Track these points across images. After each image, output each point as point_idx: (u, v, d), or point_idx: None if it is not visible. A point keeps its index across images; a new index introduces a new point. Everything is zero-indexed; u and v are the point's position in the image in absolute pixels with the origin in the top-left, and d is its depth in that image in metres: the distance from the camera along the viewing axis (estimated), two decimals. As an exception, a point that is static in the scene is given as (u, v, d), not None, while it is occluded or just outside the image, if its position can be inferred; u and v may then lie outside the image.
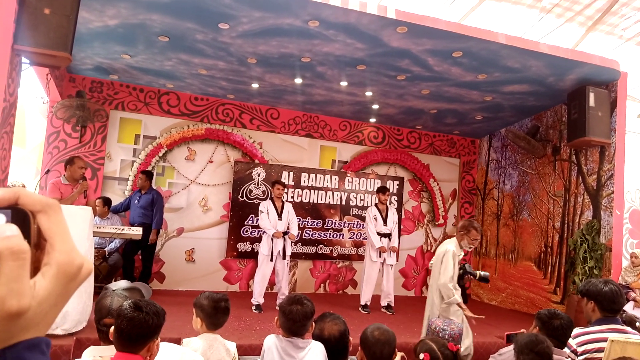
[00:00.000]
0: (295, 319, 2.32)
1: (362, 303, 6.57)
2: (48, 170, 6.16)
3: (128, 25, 5.22)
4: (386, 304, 6.61)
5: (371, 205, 6.95)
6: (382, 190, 6.76)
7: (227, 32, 5.25)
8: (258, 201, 7.53)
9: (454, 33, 5.15)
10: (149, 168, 7.11)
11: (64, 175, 5.18)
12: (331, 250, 8.03)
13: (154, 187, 6.94)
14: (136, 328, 1.65)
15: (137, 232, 5.81)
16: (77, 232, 4.27)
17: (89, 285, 4.38)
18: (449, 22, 5.22)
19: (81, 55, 6.14)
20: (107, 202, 6.53)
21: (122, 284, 1.95)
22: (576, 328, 2.95)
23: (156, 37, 5.46)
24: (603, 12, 7.75)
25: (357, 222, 8.21)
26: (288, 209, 6.42)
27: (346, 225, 8.14)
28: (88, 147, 6.89)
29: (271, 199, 6.43)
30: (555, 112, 7.18)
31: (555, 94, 6.56)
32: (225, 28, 5.16)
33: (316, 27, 5.08)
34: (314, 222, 7.97)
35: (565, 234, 6.83)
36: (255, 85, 6.89)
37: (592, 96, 5.94)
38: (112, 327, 1.68)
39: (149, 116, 7.22)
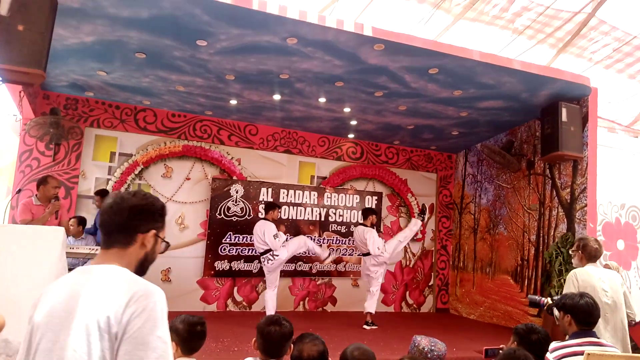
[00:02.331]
0: (273, 340, 2.29)
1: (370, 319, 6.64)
2: (20, 190, 6.00)
3: (105, 42, 5.16)
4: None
5: (373, 228, 6.93)
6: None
7: (205, 49, 5.24)
8: (236, 219, 7.48)
9: (429, 50, 5.24)
10: (125, 185, 7.00)
11: (36, 195, 5.06)
12: (310, 267, 7.98)
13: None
14: None
15: (112, 251, 5.67)
16: (49, 254, 4.15)
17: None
18: (424, 39, 5.31)
19: (56, 72, 6.05)
20: (82, 221, 6.37)
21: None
22: (553, 342, 2.98)
23: (133, 53, 5.42)
24: (573, 35, 8.00)
25: (337, 238, 8.20)
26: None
27: (325, 241, 8.11)
28: (62, 165, 6.75)
29: (273, 221, 6.45)
30: (529, 127, 7.33)
31: (529, 109, 6.71)
32: (204, 45, 5.15)
33: (294, 45, 5.11)
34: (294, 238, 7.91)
35: (541, 247, 6.93)
36: (233, 102, 6.87)
37: (564, 111, 6.08)
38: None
39: (124, 133, 7.13)
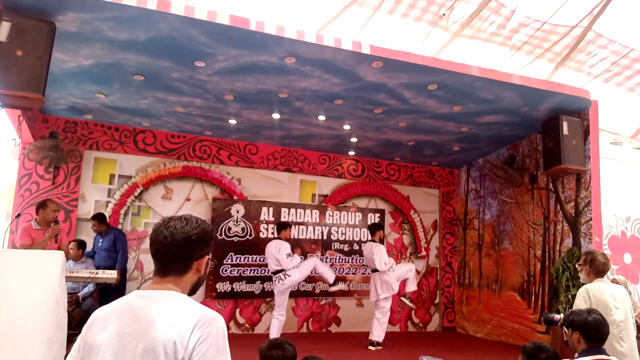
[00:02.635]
0: (274, 365, 2.22)
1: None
2: (19, 214, 5.96)
3: (103, 65, 5.18)
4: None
5: (382, 245, 6.92)
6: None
7: (203, 69, 5.25)
8: (237, 239, 7.41)
9: (428, 67, 5.24)
10: (125, 208, 6.96)
11: (35, 219, 5.02)
12: (313, 287, 7.87)
13: (128, 227, 6.81)
14: None
15: (111, 275, 5.61)
16: (48, 278, 4.10)
17: (60, 333, 4.17)
18: (423, 56, 5.31)
19: (55, 96, 6.07)
20: (82, 245, 6.33)
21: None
22: (563, 361, 2.89)
23: (131, 76, 5.43)
24: (570, 49, 8.02)
25: (340, 256, 8.11)
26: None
27: (328, 260, 8.02)
28: (61, 188, 6.72)
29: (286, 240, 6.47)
30: (531, 141, 7.30)
31: (530, 123, 6.68)
32: (202, 66, 5.16)
33: (292, 64, 5.11)
34: (296, 258, 7.83)
35: (547, 262, 6.84)
36: (232, 122, 6.87)
37: (565, 125, 6.05)
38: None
39: (124, 155, 7.11)
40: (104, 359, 1.33)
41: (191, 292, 1.51)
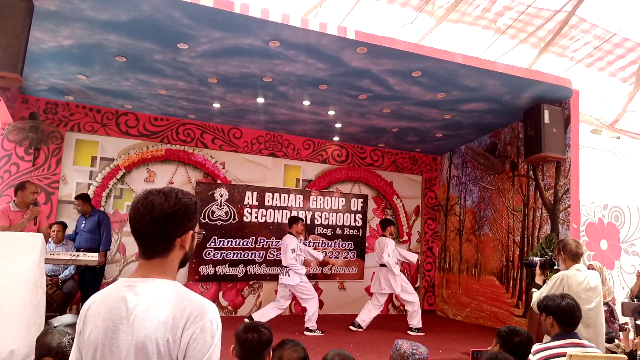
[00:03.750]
0: (250, 347, 2.24)
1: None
2: (-2, 195, 5.88)
3: (84, 45, 5.09)
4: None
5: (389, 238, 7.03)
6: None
7: (186, 52, 5.19)
8: (221, 222, 7.42)
9: (412, 53, 5.24)
10: (107, 190, 6.90)
11: (14, 200, 4.96)
12: (296, 270, 7.92)
13: (109, 210, 6.78)
14: None
15: (92, 258, 5.59)
16: (27, 261, 4.07)
17: (39, 316, 4.16)
18: (407, 42, 5.31)
19: (34, 76, 5.95)
20: (66, 227, 6.29)
21: (66, 318, 1.84)
22: (536, 344, 2.98)
23: (113, 57, 5.35)
24: (554, 34, 8.07)
25: (323, 240, 8.18)
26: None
27: (311, 244, 8.08)
28: (42, 170, 6.64)
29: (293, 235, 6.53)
30: (512, 129, 7.38)
31: (512, 111, 6.75)
32: (185, 48, 5.10)
33: (277, 48, 5.08)
34: (279, 242, 7.86)
35: (526, 248, 6.97)
36: (216, 105, 6.82)
37: (546, 113, 6.13)
38: (52, 367, 1.58)
39: (106, 137, 7.03)
40: (101, 357, 1.29)
41: (181, 266, 1.45)
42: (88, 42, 5.02)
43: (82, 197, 6.35)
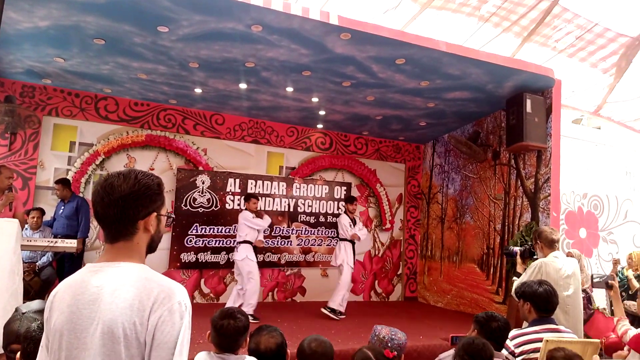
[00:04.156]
0: (226, 334, 2.22)
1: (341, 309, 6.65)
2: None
3: (60, 27, 4.95)
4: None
5: (343, 213, 7.09)
6: (350, 200, 7.02)
7: (166, 35, 5.08)
8: (203, 209, 7.36)
9: (396, 40, 5.21)
10: (86, 176, 6.79)
11: (-12, 185, 4.84)
12: (279, 258, 7.93)
13: (88, 196, 6.68)
14: None
15: (71, 244, 5.50)
16: (1, 246, 3.99)
17: (15, 302, 4.08)
18: (390, 29, 5.27)
19: (10, 58, 5.79)
20: (44, 213, 6.18)
21: (34, 304, 1.80)
22: (513, 329, 3.02)
23: (91, 39, 5.22)
24: (537, 24, 8.10)
25: (306, 228, 8.17)
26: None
27: (294, 232, 8.07)
28: (18, 155, 6.49)
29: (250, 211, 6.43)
30: (495, 118, 7.42)
31: (495, 100, 6.77)
32: (165, 31, 4.99)
33: (259, 32, 5.00)
34: (262, 229, 7.85)
35: (506, 236, 7.05)
36: (198, 90, 6.72)
37: (528, 102, 6.16)
38: (19, 353, 1.53)
39: (85, 122, 6.90)
40: (67, 344, 1.25)
41: (148, 252, 1.41)
42: (65, 24, 4.88)
43: (62, 182, 6.24)
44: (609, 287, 3.60)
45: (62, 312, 1.28)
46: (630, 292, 5.99)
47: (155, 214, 1.39)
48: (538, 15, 8.03)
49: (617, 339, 3.22)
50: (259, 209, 6.59)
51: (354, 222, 6.93)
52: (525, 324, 3.25)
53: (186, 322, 1.28)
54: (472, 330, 2.82)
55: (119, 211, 1.32)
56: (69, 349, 1.25)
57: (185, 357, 1.27)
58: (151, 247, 1.42)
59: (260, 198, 7.36)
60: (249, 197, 6.53)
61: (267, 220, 6.51)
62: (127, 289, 1.25)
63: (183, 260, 7.22)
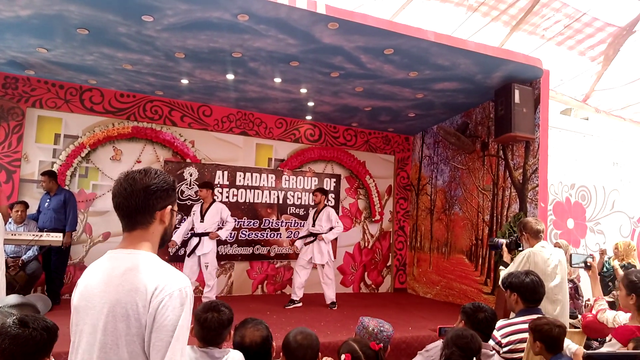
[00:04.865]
0: (210, 328, 2.19)
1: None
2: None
3: (43, 16, 4.84)
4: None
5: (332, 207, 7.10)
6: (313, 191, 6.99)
7: (151, 25, 5.00)
8: (191, 202, 7.29)
9: (384, 30, 5.16)
10: (71, 169, 6.69)
11: (-30, 178, 4.75)
12: (268, 251, 7.90)
13: (74, 189, 6.61)
14: (20, 347, 1.49)
15: (56, 238, 5.43)
16: (-16, 241, 3.92)
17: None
18: (378, 19, 5.22)
19: (-9, 48, 5.68)
20: (27, 207, 6.08)
21: (10, 299, 1.76)
22: (500, 320, 3.02)
23: (75, 29, 5.11)
24: (525, 12, 8.08)
25: (295, 220, 8.14)
26: (215, 209, 6.35)
27: (284, 224, 8.04)
28: (2, 147, 6.38)
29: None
30: (484, 108, 7.41)
31: (484, 91, 6.76)
32: (150, 21, 4.90)
33: (246, 22, 4.93)
34: (251, 222, 7.81)
35: (495, 227, 7.07)
36: (185, 81, 6.64)
37: (517, 93, 6.16)
38: (-6, 348, 1.50)
39: (70, 114, 6.79)
40: (79, 320, 1.41)
41: (160, 244, 1.53)
42: (47, 13, 4.78)
43: (49, 174, 6.15)
44: (587, 267, 3.62)
45: (80, 292, 1.45)
46: (616, 283, 6.05)
47: (170, 207, 1.54)
48: (526, 4, 8.01)
49: (593, 317, 3.25)
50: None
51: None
52: (512, 314, 3.25)
53: (186, 308, 1.37)
54: (459, 321, 2.81)
55: (140, 200, 1.46)
56: (79, 324, 1.41)
57: (182, 342, 1.35)
58: (163, 240, 1.55)
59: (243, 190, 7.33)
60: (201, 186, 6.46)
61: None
62: (134, 274, 1.38)
63: (170, 253, 7.16)
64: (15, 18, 4.89)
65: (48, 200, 6.12)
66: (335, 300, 6.78)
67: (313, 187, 8.28)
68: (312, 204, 7.93)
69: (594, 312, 3.26)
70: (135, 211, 1.47)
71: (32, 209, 6.20)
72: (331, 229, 6.78)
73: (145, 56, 5.79)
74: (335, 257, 8.37)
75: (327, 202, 7.12)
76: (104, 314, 1.35)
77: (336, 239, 8.40)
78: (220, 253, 7.49)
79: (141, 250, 1.45)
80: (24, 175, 6.52)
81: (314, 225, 6.83)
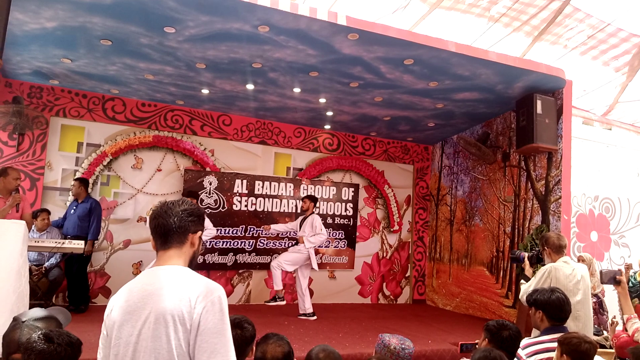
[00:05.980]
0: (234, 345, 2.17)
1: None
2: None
3: (67, 27, 4.94)
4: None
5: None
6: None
7: (173, 36, 5.06)
8: (210, 211, 7.33)
9: (404, 41, 5.15)
10: (93, 177, 6.78)
11: (-5, 187, 4.84)
12: (286, 259, 7.87)
13: (96, 197, 6.69)
14: None
15: (78, 245, 5.49)
16: (9, 248, 3.97)
17: (22, 304, 4.07)
18: (399, 29, 5.20)
19: (17, 59, 5.80)
20: (50, 214, 6.18)
21: (35, 312, 1.76)
22: (525, 338, 2.95)
23: (98, 40, 5.20)
24: (548, 23, 7.98)
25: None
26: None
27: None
28: (26, 155, 6.50)
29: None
30: (505, 119, 7.32)
31: (504, 101, 6.68)
32: (171, 32, 4.97)
33: (266, 33, 4.96)
34: (269, 231, 7.80)
35: (516, 239, 6.95)
36: (205, 91, 6.69)
37: (539, 104, 6.07)
38: (20, 363, 1.51)
39: (92, 123, 6.89)
40: (122, 333, 1.52)
41: (189, 266, 1.67)
42: (72, 25, 4.87)
43: (80, 180, 6.29)
44: (616, 282, 3.52)
45: (120, 306, 1.56)
46: (643, 297, 5.88)
47: (200, 232, 1.72)
48: (549, 15, 7.91)
49: (629, 338, 3.14)
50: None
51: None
52: (535, 331, 3.18)
53: (225, 313, 1.55)
54: (482, 339, 2.75)
55: (178, 220, 1.65)
56: (122, 336, 1.52)
57: (228, 339, 1.53)
58: (191, 262, 1.70)
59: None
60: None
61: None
62: (176, 285, 1.53)
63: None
64: (41, 30, 4.99)
65: (75, 206, 6.21)
66: (308, 312, 6.51)
67: (331, 197, 8.27)
68: (334, 213, 7.92)
69: (629, 331, 3.16)
70: (172, 230, 1.63)
71: (54, 216, 6.30)
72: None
73: (166, 66, 5.85)
74: (353, 267, 8.36)
75: (315, 209, 7.03)
76: (151, 321, 1.48)
77: (354, 249, 8.37)
78: (237, 262, 7.50)
79: (178, 266, 1.61)
80: (47, 183, 6.63)
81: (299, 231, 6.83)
